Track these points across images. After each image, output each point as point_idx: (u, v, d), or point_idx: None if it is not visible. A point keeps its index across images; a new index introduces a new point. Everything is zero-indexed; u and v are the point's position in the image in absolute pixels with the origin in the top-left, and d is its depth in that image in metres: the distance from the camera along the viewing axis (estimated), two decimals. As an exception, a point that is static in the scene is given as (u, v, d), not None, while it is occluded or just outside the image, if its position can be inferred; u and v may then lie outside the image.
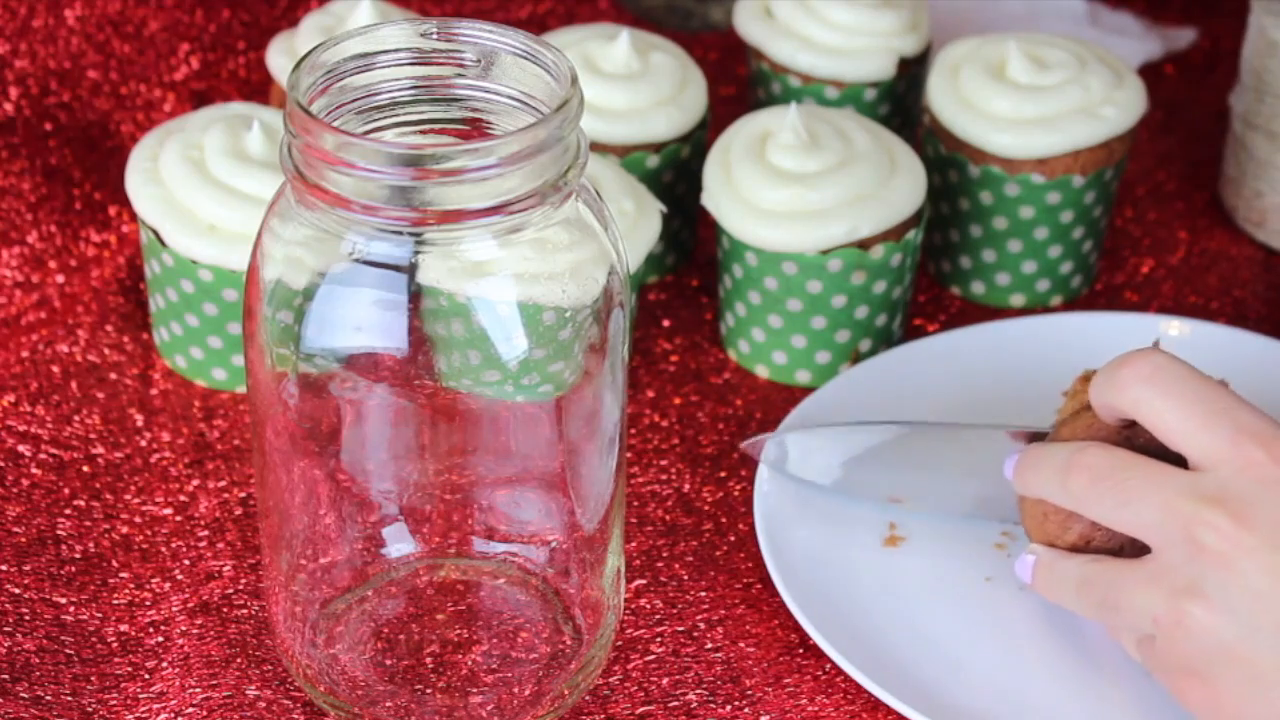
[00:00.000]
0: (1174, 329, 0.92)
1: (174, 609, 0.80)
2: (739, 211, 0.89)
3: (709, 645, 0.79)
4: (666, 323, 0.96)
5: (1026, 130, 0.92)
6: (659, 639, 0.79)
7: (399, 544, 0.78)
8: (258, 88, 1.07)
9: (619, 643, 0.79)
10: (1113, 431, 0.76)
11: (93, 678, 0.77)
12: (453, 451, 0.76)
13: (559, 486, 0.75)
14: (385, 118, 0.69)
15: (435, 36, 0.69)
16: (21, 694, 0.76)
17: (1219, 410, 0.71)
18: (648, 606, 0.81)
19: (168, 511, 0.84)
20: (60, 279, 0.96)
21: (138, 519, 0.84)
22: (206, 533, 0.83)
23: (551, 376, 0.71)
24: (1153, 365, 0.72)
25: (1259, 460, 0.69)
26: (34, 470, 0.86)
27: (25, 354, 0.92)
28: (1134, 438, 0.75)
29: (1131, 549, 0.74)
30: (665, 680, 0.78)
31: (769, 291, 0.90)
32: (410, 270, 0.67)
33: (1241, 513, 0.69)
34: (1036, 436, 0.81)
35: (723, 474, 0.87)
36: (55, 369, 0.91)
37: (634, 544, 0.83)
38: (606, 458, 0.74)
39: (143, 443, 0.88)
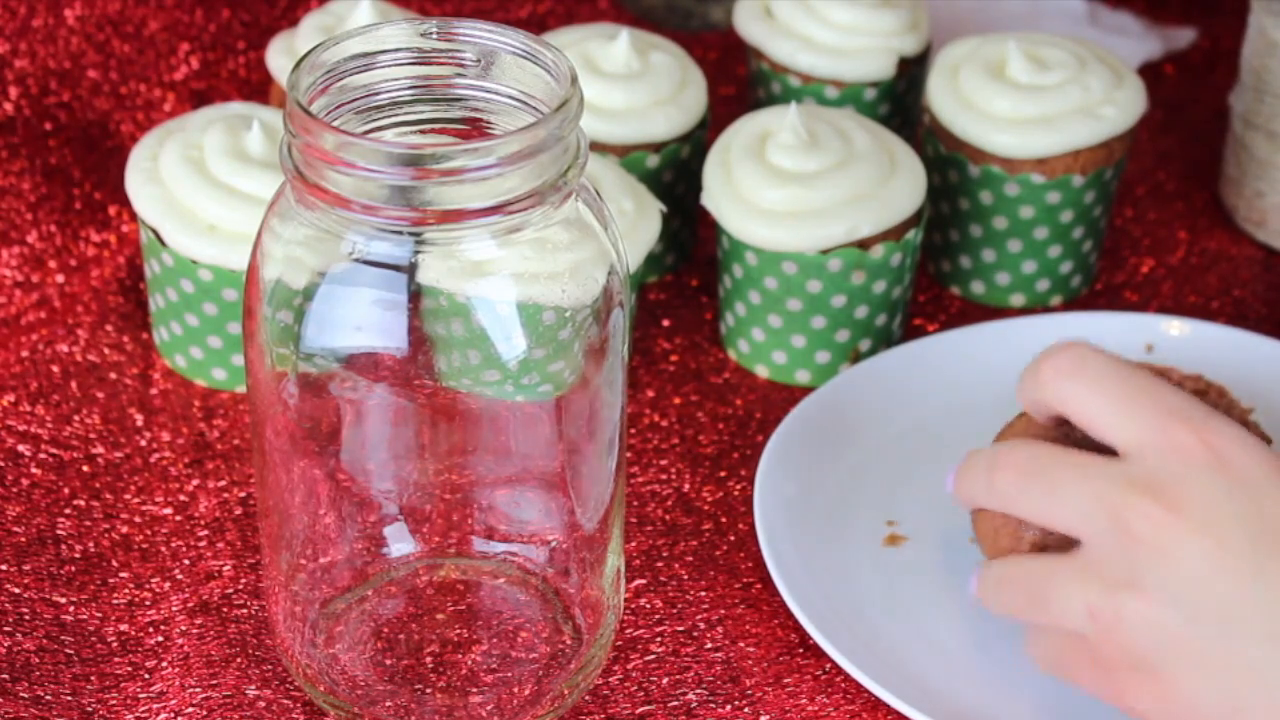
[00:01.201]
0: (1174, 329, 0.92)
1: (174, 609, 0.80)
2: (739, 211, 0.89)
3: (709, 645, 0.79)
4: (666, 322, 0.96)
5: (1026, 130, 0.92)
6: (659, 639, 0.79)
7: (399, 544, 0.78)
8: (258, 88, 1.07)
9: (619, 643, 0.79)
10: (1047, 430, 0.75)
11: (93, 678, 0.77)
12: (453, 451, 0.76)
13: (559, 486, 0.75)
14: (385, 117, 0.69)
15: (435, 36, 0.69)
16: (21, 694, 0.76)
17: (1144, 396, 0.69)
18: (648, 606, 0.81)
19: (167, 511, 0.84)
20: (60, 279, 0.96)
21: (137, 519, 0.84)
22: (206, 532, 0.83)
23: (551, 376, 0.71)
24: (1074, 358, 0.71)
25: (1188, 444, 0.67)
26: (34, 470, 0.86)
27: (25, 354, 0.92)
28: (1069, 434, 0.74)
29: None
30: (665, 680, 0.78)
31: (769, 291, 0.90)
32: (410, 270, 0.67)
33: (1173, 498, 0.67)
34: None
35: (723, 474, 0.87)
36: (55, 369, 0.91)
37: (634, 544, 0.83)
38: (606, 458, 0.74)
39: (142, 442, 0.88)
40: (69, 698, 0.76)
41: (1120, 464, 0.69)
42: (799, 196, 0.88)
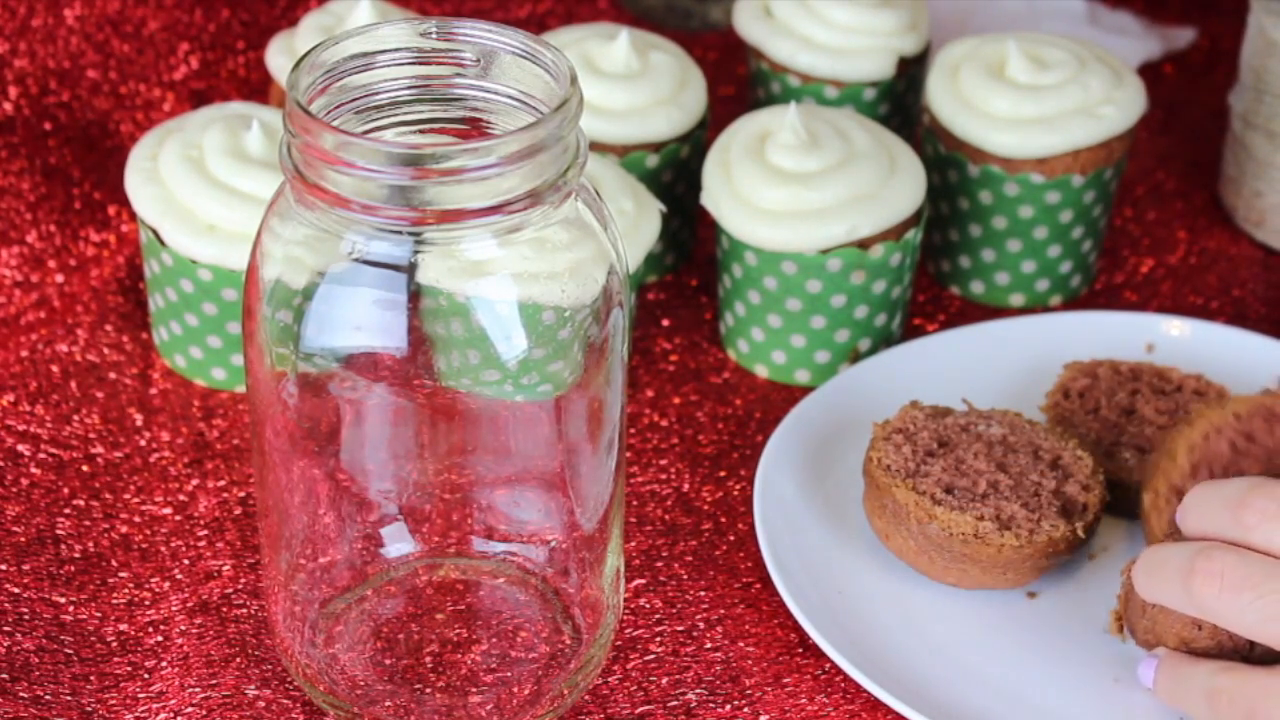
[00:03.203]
0: (1174, 329, 0.92)
1: (173, 609, 0.80)
2: (739, 211, 0.89)
3: (708, 645, 0.79)
4: (666, 322, 0.96)
5: (1026, 130, 0.92)
6: (658, 638, 0.79)
7: (398, 543, 0.78)
8: (257, 87, 1.07)
9: (618, 642, 0.79)
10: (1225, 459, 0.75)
11: (92, 677, 0.77)
12: (452, 451, 0.76)
13: (558, 486, 0.75)
14: (385, 117, 0.69)
15: (435, 36, 0.69)
16: (21, 694, 0.76)
17: None
18: (647, 606, 0.81)
19: (167, 511, 0.84)
20: (60, 279, 0.96)
21: (137, 518, 0.84)
22: (206, 532, 0.83)
23: (551, 376, 0.71)
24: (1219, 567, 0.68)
25: None
26: (33, 470, 0.86)
27: (25, 353, 0.92)
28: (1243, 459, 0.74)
29: (1264, 649, 0.70)
30: (665, 680, 0.78)
31: (768, 291, 0.90)
32: (410, 270, 0.67)
33: None
34: None
35: (722, 474, 0.87)
36: (55, 368, 0.91)
37: (633, 544, 0.83)
38: (606, 457, 0.74)
39: (142, 442, 0.88)
40: (69, 698, 0.76)
41: None
42: (799, 196, 0.88)
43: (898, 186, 0.89)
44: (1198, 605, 0.69)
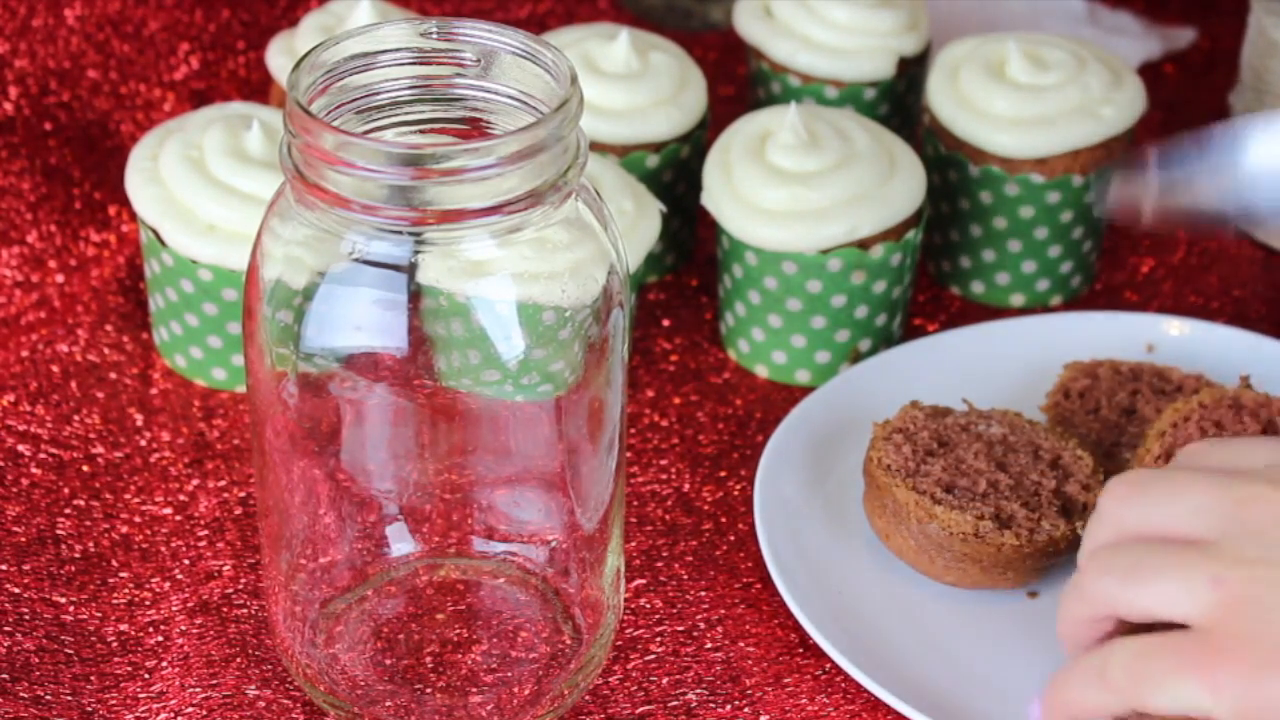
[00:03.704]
0: (1174, 329, 0.92)
1: (174, 609, 0.80)
2: (739, 211, 0.89)
3: (709, 645, 0.79)
4: (666, 322, 0.96)
5: (1026, 130, 0.92)
6: (659, 639, 0.79)
7: (399, 543, 0.78)
8: (257, 87, 1.07)
9: (619, 642, 0.79)
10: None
11: (92, 677, 0.77)
12: (452, 451, 0.76)
13: (559, 486, 0.75)
14: (385, 117, 0.69)
15: (435, 36, 0.69)
16: (21, 694, 0.76)
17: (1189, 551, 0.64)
18: (647, 606, 0.81)
19: (167, 511, 0.84)
20: (60, 279, 0.96)
21: (137, 518, 0.84)
22: (206, 532, 0.83)
23: (551, 376, 0.71)
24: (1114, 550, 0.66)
25: (1247, 496, 0.64)
26: (34, 470, 0.86)
27: (25, 354, 0.92)
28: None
29: None
30: (665, 680, 0.78)
31: (769, 291, 0.90)
32: (410, 270, 0.67)
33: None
34: None
35: (723, 473, 0.87)
36: (55, 368, 0.91)
37: (634, 544, 0.83)
38: (606, 457, 0.74)
39: (142, 442, 0.88)
40: (69, 698, 0.76)
41: (1233, 471, 0.66)
42: (799, 196, 0.88)
43: (898, 186, 0.89)
44: (1102, 516, 0.67)
